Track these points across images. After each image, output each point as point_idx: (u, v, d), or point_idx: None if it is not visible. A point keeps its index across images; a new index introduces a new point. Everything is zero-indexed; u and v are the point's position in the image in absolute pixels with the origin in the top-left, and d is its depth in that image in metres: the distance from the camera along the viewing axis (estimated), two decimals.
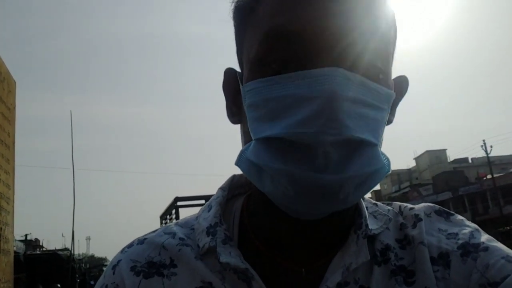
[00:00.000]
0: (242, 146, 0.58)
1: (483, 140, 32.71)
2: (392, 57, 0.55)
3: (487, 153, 32.71)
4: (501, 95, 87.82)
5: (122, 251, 0.62)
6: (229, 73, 0.60)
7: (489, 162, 32.53)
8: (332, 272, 0.54)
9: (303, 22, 0.48)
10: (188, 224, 0.63)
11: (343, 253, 0.55)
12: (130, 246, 0.62)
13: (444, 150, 52.95)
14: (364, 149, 0.48)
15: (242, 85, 0.55)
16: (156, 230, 0.64)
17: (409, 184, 47.45)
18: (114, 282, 0.58)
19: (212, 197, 0.64)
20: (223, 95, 0.62)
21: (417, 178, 51.24)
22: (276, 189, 0.49)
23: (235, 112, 0.60)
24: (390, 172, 0.51)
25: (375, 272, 0.55)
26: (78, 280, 13.77)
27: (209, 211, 0.61)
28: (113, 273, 0.59)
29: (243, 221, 0.61)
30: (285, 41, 0.48)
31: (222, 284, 0.54)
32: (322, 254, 0.56)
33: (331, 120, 0.45)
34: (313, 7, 0.48)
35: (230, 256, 0.54)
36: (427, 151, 52.75)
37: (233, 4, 0.59)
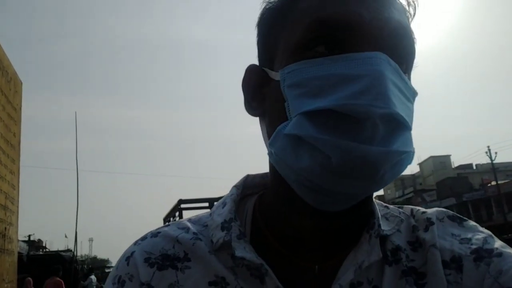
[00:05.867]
0: (264, 138, 0.60)
1: (488, 147, 32.61)
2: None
3: (491, 160, 32.55)
4: (507, 102, 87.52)
5: (136, 243, 0.62)
6: (250, 70, 0.62)
7: (493, 169, 32.38)
8: (344, 271, 0.54)
9: (349, 12, 0.51)
10: (201, 221, 0.63)
11: (356, 252, 0.55)
12: (143, 238, 0.62)
13: (448, 156, 52.73)
14: (403, 129, 0.50)
15: (275, 71, 0.56)
16: (168, 225, 0.64)
17: (413, 190, 47.28)
18: (129, 273, 0.57)
19: (226, 194, 0.64)
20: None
21: (421, 184, 51.05)
22: (315, 162, 0.48)
23: (255, 106, 0.61)
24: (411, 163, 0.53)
25: (386, 272, 0.55)
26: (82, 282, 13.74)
27: (223, 207, 0.62)
28: (127, 264, 0.59)
29: (255, 219, 0.61)
30: (331, 28, 0.51)
31: (235, 280, 0.54)
32: (335, 253, 0.56)
33: (380, 95, 0.47)
34: (359, 2, 0.52)
35: (245, 251, 0.55)
36: (431, 157, 52.56)
37: (264, 5, 0.61)
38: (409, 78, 0.55)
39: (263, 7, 0.61)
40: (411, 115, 0.53)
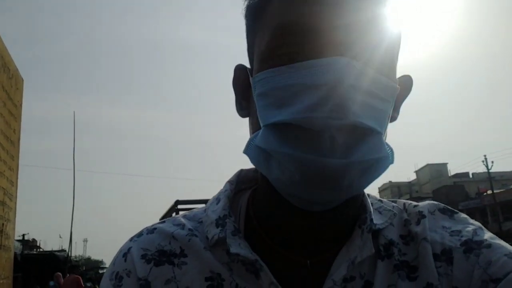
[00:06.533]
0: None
1: (485, 156, 32.68)
2: (397, 54, 0.56)
3: (488, 169, 32.62)
4: (505, 111, 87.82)
5: (131, 239, 0.62)
6: (239, 69, 0.62)
7: (490, 178, 32.43)
8: (337, 266, 0.54)
9: (311, 17, 0.50)
10: (196, 218, 0.63)
11: (348, 247, 0.56)
12: (139, 235, 0.62)
13: (445, 164, 52.80)
14: (369, 136, 0.49)
15: (252, 77, 0.56)
16: (164, 221, 0.64)
17: (409, 197, 47.26)
18: (126, 269, 0.58)
19: (220, 190, 0.65)
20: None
21: (417, 191, 51.04)
22: (283, 175, 0.50)
23: (244, 106, 0.61)
24: (393, 163, 0.52)
25: (379, 266, 0.55)
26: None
27: (217, 203, 0.62)
28: (125, 260, 0.59)
29: (249, 214, 0.62)
30: (294, 34, 0.50)
31: (231, 276, 0.55)
32: (327, 248, 0.57)
33: (337, 106, 0.46)
34: (321, 3, 0.50)
35: (240, 247, 0.55)
36: (428, 165, 52.63)
37: (245, 3, 0.60)
38: (393, 69, 0.54)
39: (245, 3, 0.60)
40: (382, 116, 0.51)
